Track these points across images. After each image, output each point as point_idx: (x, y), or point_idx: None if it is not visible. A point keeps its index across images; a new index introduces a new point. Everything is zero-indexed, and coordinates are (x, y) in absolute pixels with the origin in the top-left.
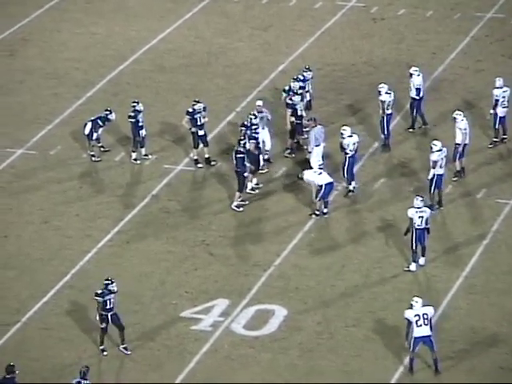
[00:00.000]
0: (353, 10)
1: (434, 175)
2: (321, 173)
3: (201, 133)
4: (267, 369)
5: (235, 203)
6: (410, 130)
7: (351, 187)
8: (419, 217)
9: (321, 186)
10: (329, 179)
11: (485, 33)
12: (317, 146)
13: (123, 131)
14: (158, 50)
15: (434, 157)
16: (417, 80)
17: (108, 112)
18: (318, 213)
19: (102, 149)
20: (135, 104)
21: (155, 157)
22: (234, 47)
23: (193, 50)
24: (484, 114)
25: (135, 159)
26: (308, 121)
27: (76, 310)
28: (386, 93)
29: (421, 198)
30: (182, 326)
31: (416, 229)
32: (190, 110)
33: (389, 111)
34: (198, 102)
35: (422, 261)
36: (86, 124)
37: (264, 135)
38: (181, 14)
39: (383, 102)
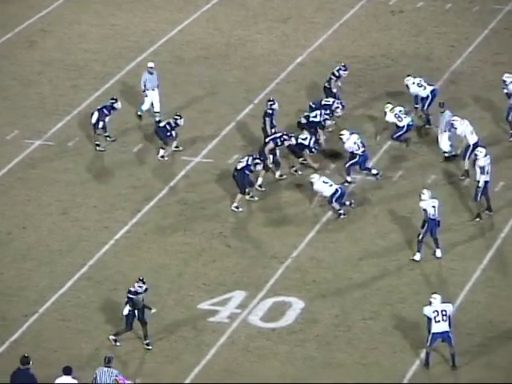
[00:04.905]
0: (371, 2)
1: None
2: (331, 184)
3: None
4: (284, 361)
5: (235, 204)
6: (427, 126)
7: (375, 171)
8: (432, 206)
9: (331, 195)
10: (335, 188)
11: (503, 25)
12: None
13: (141, 123)
14: (177, 42)
15: (481, 162)
16: (413, 89)
17: (113, 101)
18: (341, 212)
19: (108, 138)
20: (177, 117)
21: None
22: (253, 39)
23: (211, 42)
24: (503, 107)
25: (162, 156)
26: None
27: (94, 302)
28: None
29: (427, 190)
30: (200, 317)
31: (430, 219)
32: (269, 111)
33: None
34: (273, 101)
35: (438, 253)
36: (92, 113)
37: (154, 96)
38: (199, 6)
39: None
